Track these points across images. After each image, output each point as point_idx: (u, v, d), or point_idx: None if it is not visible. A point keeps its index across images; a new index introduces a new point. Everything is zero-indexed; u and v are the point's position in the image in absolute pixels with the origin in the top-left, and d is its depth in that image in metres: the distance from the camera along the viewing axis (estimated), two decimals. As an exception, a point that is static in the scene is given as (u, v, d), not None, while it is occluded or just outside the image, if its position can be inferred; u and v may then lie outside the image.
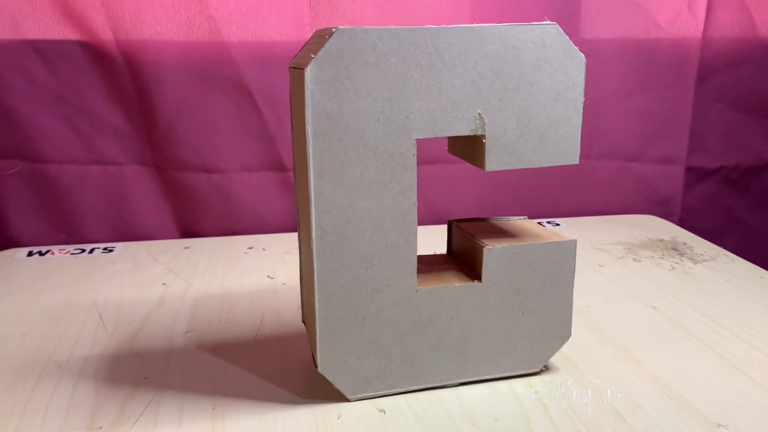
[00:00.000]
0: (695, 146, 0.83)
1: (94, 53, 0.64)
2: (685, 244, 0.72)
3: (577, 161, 0.40)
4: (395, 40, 0.36)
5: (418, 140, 0.37)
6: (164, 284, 0.59)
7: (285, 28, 0.67)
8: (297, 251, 0.69)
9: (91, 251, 0.67)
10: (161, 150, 0.69)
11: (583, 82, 0.39)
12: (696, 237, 0.75)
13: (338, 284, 0.38)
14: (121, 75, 0.65)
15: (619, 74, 0.78)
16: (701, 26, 0.77)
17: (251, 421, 0.39)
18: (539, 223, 0.76)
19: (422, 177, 0.76)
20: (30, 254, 0.67)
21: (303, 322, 0.46)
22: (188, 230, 0.73)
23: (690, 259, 0.67)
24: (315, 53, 0.35)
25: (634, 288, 0.59)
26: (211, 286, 0.59)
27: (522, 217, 0.47)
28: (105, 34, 0.63)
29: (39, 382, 0.43)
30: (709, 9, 0.76)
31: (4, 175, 0.66)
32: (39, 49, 0.63)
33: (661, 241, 0.73)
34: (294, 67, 0.38)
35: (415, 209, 0.38)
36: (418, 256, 0.43)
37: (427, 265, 0.44)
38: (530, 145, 0.39)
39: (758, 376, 0.44)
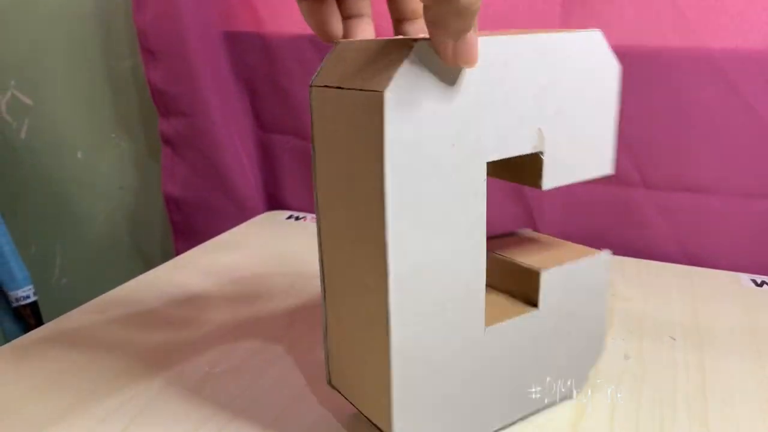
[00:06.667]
0: None
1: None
2: None
3: (612, 171, 0.39)
4: None
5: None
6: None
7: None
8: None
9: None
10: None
11: (617, 90, 0.38)
12: None
13: (417, 345, 0.33)
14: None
15: None
16: None
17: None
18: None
19: (673, 207, 0.66)
20: (289, 217, 0.80)
21: (330, 384, 0.40)
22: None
23: None
24: (390, 72, 0.29)
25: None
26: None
27: (526, 230, 0.45)
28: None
29: (204, 322, 0.53)
30: None
31: (284, 148, 0.81)
32: (315, 43, 0.74)
33: None
34: (341, 87, 0.32)
35: (485, 240, 0.35)
36: None
37: None
38: (578, 158, 0.37)
39: None
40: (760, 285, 0.62)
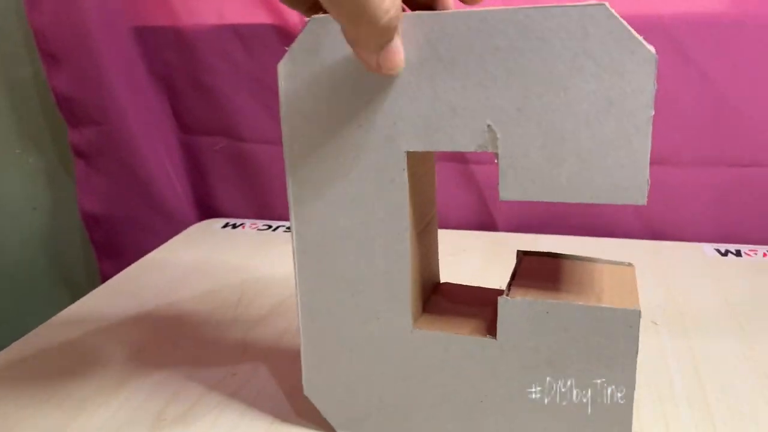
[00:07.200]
0: None
1: (285, 36, 0.67)
2: None
3: (643, 201, 0.28)
4: None
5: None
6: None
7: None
8: (464, 253, 0.64)
9: (275, 229, 0.72)
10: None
11: (651, 88, 0.27)
12: None
13: (323, 305, 0.35)
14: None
15: None
16: None
17: None
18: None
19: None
20: (225, 225, 0.73)
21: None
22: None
23: None
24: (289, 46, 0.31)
25: None
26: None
27: (624, 264, 0.36)
28: (293, 16, 0.65)
29: (157, 353, 0.46)
30: None
31: (211, 151, 0.74)
32: (239, 33, 0.68)
33: None
34: None
35: (408, 234, 0.32)
36: (468, 289, 0.37)
37: (465, 303, 0.36)
38: (564, 172, 0.29)
39: None
40: (725, 254, 0.60)
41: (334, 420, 0.37)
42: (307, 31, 0.31)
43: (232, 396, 0.41)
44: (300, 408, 0.39)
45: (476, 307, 0.36)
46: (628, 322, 0.30)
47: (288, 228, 0.71)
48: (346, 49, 0.30)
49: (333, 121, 0.31)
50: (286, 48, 0.32)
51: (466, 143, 0.30)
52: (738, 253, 0.60)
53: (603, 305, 0.30)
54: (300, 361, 0.37)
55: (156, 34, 0.71)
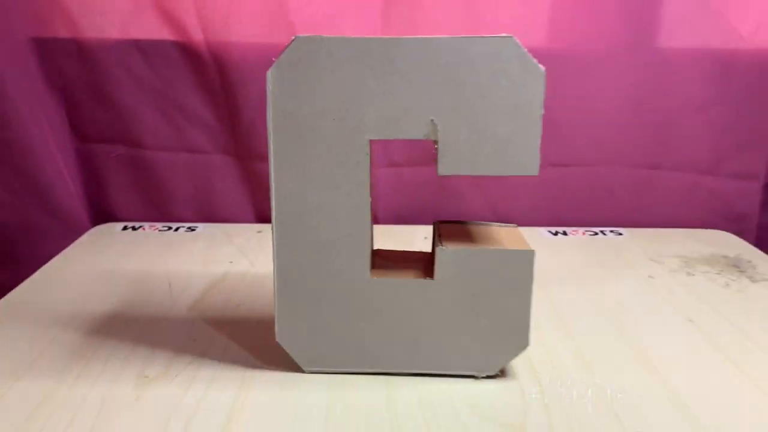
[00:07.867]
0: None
1: (187, 53, 0.73)
2: (749, 262, 0.68)
3: (535, 172, 0.41)
4: (351, 48, 0.40)
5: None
6: (231, 263, 0.67)
7: (356, 33, 0.73)
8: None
9: (176, 229, 0.77)
10: (243, 142, 0.78)
11: (542, 95, 0.40)
12: (765, 256, 0.71)
13: (296, 267, 0.43)
14: (209, 73, 0.74)
15: (696, 85, 0.75)
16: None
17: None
18: (600, 232, 0.76)
19: (484, 179, 0.79)
20: (125, 228, 0.78)
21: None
22: (263, 215, 0.82)
23: (749, 278, 0.64)
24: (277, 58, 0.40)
25: (678, 301, 0.59)
26: (272, 268, 0.65)
27: (511, 225, 0.49)
28: (197, 35, 0.72)
29: (109, 333, 0.51)
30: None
31: (108, 157, 0.78)
32: (141, 48, 0.74)
33: (724, 257, 0.70)
34: None
35: (368, 204, 0.42)
36: (397, 252, 0.48)
37: (400, 260, 0.47)
38: (483, 153, 0.41)
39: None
40: (556, 234, 0.77)
41: (302, 360, 0.45)
42: (292, 47, 0.40)
43: (201, 356, 0.48)
44: (267, 359, 0.47)
45: (410, 262, 0.47)
46: (527, 259, 0.43)
47: (189, 228, 0.78)
48: (325, 63, 0.40)
49: (312, 116, 0.41)
50: (274, 59, 0.40)
51: (415, 133, 0.41)
52: (565, 233, 0.77)
53: (508, 248, 0.43)
54: (250, 326, 0.48)
55: (55, 46, 0.74)
